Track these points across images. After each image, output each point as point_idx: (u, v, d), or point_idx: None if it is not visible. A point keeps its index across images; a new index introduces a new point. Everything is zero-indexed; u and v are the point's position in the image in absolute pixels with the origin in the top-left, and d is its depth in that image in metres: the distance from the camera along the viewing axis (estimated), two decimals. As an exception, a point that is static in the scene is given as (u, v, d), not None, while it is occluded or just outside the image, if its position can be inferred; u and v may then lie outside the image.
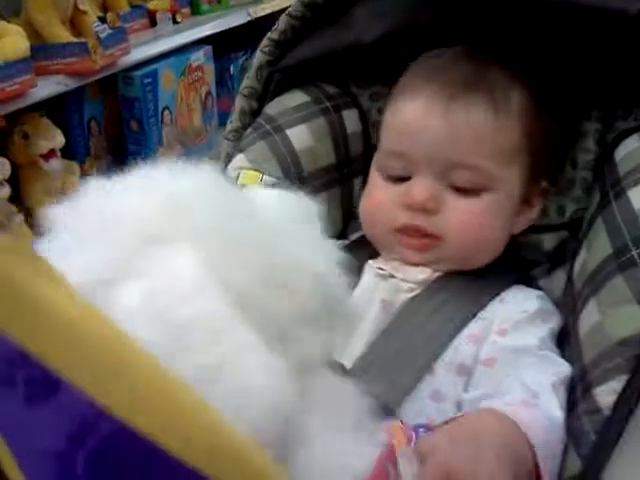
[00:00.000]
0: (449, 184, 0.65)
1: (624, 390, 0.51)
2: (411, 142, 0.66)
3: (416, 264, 0.66)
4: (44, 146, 1.61)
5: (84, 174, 1.77)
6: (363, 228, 0.72)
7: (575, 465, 0.51)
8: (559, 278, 0.69)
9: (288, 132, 0.75)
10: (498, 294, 0.65)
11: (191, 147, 2.11)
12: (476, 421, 0.54)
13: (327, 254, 0.42)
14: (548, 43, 0.68)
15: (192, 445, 0.26)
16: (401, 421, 0.50)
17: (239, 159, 0.74)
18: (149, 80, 1.89)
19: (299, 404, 0.34)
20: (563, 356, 0.61)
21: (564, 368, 0.58)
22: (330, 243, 0.43)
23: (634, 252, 0.56)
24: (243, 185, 0.70)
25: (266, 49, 0.79)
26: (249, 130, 0.77)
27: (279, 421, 0.31)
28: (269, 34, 0.80)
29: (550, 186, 0.71)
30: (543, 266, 0.71)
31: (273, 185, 0.71)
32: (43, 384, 0.26)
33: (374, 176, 0.70)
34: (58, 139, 1.65)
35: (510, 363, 0.58)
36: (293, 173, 0.74)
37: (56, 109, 1.73)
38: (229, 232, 0.37)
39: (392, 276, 0.66)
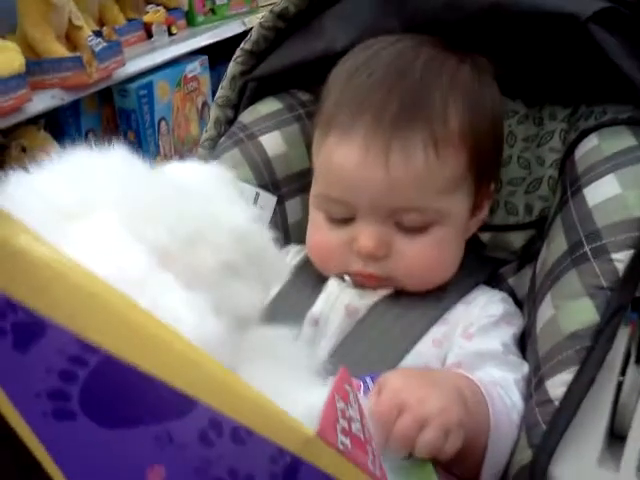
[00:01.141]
0: (396, 222, 0.63)
1: (574, 381, 0.52)
2: (350, 191, 0.63)
3: None
4: (42, 159, 1.64)
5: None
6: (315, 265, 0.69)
7: (526, 455, 0.52)
8: (527, 276, 0.70)
9: (261, 139, 0.77)
10: (463, 296, 0.66)
11: (189, 157, 2.14)
12: (435, 371, 0.57)
13: (244, 210, 0.43)
14: (515, 44, 0.69)
15: (172, 369, 0.29)
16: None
17: None
18: (144, 92, 1.92)
19: (233, 349, 0.36)
20: (524, 354, 0.62)
21: (525, 367, 0.60)
22: (245, 203, 0.45)
23: (587, 248, 0.58)
24: None
25: (239, 59, 0.81)
26: (223, 138, 0.79)
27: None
28: (242, 44, 0.82)
29: (495, 186, 0.71)
30: (512, 264, 0.73)
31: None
32: (30, 328, 0.28)
33: (316, 216, 0.68)
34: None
35: (475, 366, 0.59)
36: (266, 179, 0.76)
37: (54, 122, 1.76)
38: (141, 197, 0.39)
39: None
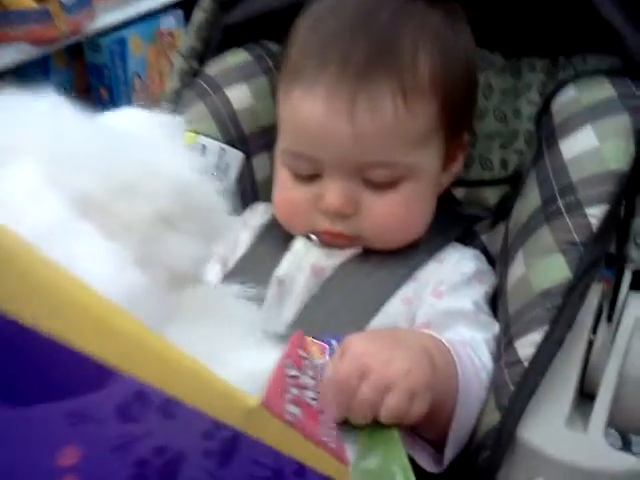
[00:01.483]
0: (363, 179, 0.60)
1: (543, 342, 0.50)
2: (315, 146, 0.60)
3: None
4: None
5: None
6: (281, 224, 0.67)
7: (494, 417, 0.50)
8: (500, 233, 0.68)
9: (227, 91, 0.74)
10: (434, 254, 0.64)
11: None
12: (402, 331, 0.55)
13: (188, 161, 0.40)
14: None
15: (88, 335, 0.26)
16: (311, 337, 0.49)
17: None
18: (117, 47, 1.85)
19: (164, 306, 0.34)
20: (495, 313, 0.60)
21: (496, 327, 0.58)
22: (192, 154, 0.42)
23: (560, 202, 0.56)
24: None
25: (206, 7, 0.77)
26: (187, 91, 0.75)
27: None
28: (209, -9, 0.78)
29: (469, 137, 0.69)
30: (486, 221, 0.71)
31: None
32: None
33: (282, 173, 0.65)
34: (25, 109, 1.62)
35: (445, 325, 0.57)
36: (232, 133, 0.73)
37: (22, 79, 1.70)
38: (68, 143, 0.36)
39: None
